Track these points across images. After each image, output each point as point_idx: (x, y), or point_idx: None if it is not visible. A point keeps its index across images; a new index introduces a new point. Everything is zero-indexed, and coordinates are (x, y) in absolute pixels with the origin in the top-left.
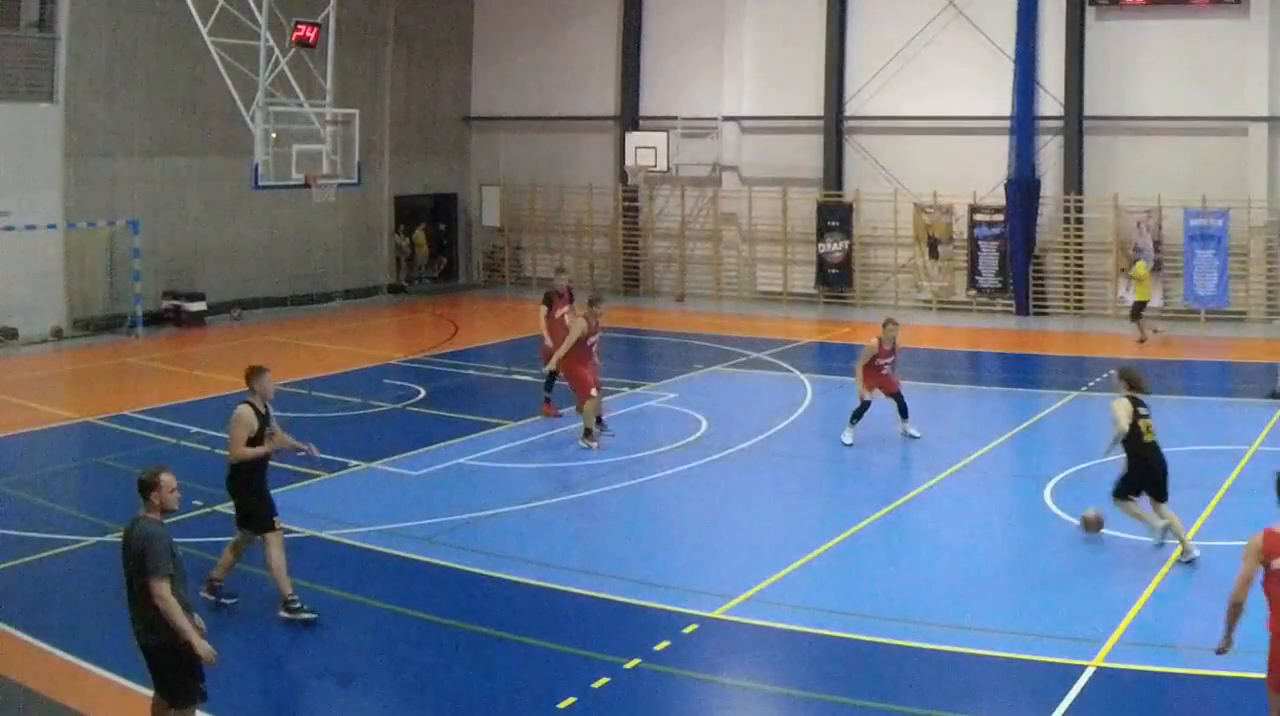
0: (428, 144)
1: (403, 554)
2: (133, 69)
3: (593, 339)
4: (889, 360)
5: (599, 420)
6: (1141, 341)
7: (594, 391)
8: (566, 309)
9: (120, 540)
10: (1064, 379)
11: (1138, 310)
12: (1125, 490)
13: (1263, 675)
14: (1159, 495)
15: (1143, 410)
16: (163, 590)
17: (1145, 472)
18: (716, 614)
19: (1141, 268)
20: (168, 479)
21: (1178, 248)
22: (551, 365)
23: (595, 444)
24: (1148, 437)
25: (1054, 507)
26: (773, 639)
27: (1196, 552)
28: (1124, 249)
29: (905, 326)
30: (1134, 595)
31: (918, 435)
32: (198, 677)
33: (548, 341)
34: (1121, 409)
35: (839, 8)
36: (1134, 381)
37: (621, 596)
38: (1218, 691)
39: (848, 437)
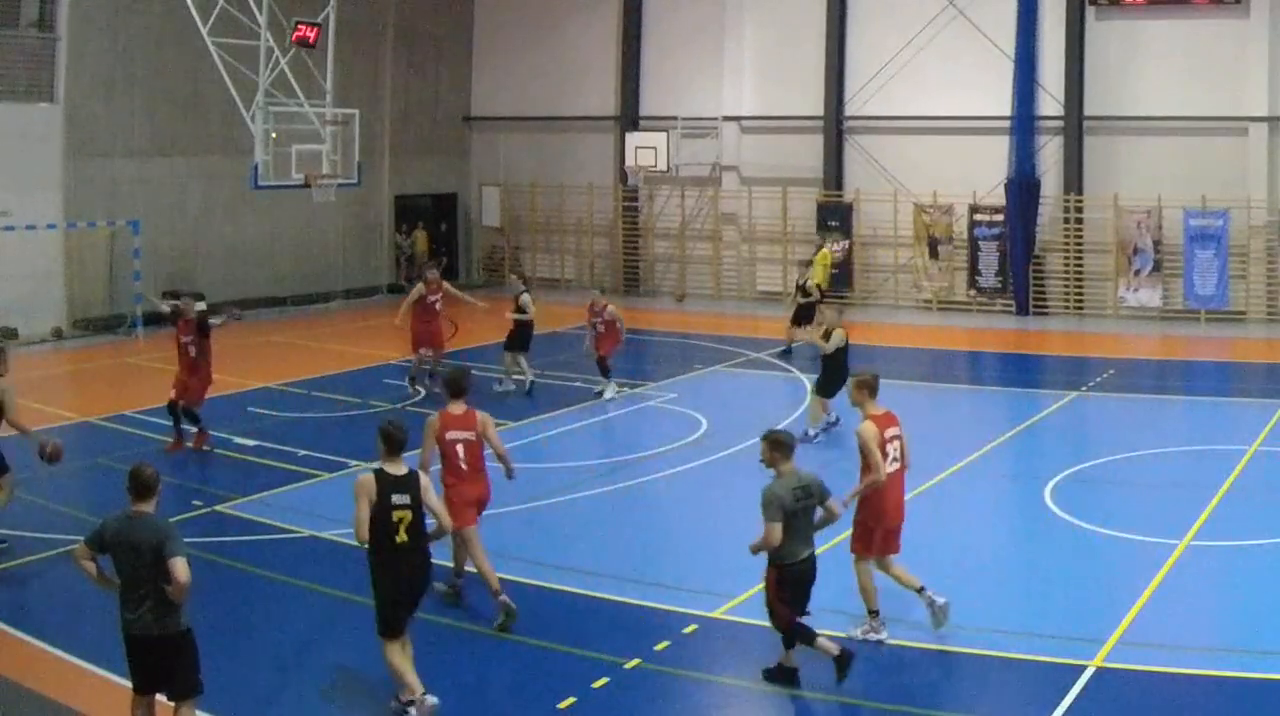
0: (428, 144)
1: None
2: (133, 69)
3: (433, 298)
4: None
5: (413, 380)
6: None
7: (423, 350)
8: (190, 339)
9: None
10: (1064, 379)
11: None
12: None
13: (1263, 675)
14: None
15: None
16: (187, 566)
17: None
18: (716, 614)
19: (826, 254)
20: None
21: (1178, 248)
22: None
23: (413, 389)
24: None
25: (1054, 508)
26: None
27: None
28: (1124, 249)
29: (905, 326)
30: (1134, 595)
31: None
32: (199, 667)
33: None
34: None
35: (839, 8)
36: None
37: (621, 596)
38: (1218, 691)
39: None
